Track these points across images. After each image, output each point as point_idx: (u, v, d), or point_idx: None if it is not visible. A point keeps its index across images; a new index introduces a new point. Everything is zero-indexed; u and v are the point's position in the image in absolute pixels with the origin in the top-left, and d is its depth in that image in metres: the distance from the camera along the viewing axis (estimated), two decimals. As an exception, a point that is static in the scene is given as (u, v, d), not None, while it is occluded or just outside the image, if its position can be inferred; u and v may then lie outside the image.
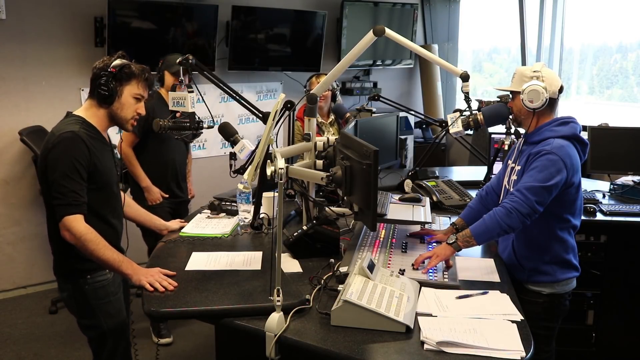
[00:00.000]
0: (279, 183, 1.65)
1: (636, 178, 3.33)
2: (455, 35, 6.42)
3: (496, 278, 2.06)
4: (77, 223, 1.99)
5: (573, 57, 5.79)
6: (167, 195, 3.45)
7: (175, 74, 3.27)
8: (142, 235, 3.25)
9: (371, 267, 1.85)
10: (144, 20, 4.33)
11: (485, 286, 1.97)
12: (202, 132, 2.45)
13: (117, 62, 2.09)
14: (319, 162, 2.42)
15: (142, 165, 3.37)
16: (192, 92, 2.35)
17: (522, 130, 2.36)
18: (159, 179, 3.42)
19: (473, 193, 2.91)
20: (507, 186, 2.29)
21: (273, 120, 1.80)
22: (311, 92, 2.53)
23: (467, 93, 2.88)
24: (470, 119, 2.66)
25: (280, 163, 1.67)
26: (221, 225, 2.61)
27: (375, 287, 1.77)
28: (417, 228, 2.46)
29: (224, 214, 2.76)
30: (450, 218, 2.71)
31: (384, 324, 1.64)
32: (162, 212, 3.19)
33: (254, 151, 2.26)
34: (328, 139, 2.45)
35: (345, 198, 2.13)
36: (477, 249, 2.33)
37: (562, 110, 5.05)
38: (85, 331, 2.22)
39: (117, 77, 2.07)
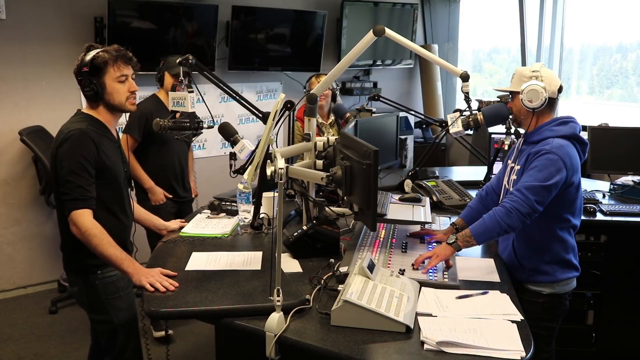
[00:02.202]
0: (279, 183, 1.65)
1: (636, 178, 3.33)
2: (455, 35, 6.42)
3: (496, 278, 2.06)
4: (83, 218, 2.02)
5: (573, 57, 5.79)
6: (170, 196, 3.46)
7: (175, 75, 3.28)
8: (147, 236, 3.25)
9: (371, 267, 1.85)
10: (144, 20, 4.33)
11: (485, 286, 1.97)
12: (202, 132, 2.45)
13: (87, 57, 2.09)
14: (319, 162, 2.42)
15: (145, 167, 3.38)
16: (192, 92, 2.35)
17: (522, 130, 2.36)
18: (162, 180, 3.44)
19: (473, 193, 2.91)
20: (507, 186, 2.29)
21: (273, 120, 1.80)
22: (311, 92, 2.53)
23: (467, 93, 2.88)
24: (470, 119, 2.65)
25: (280, 163, 1.67)
26: (221, 225, 2.61)
27: (375, 287, 1.77)
28: (417, 228, 2.46)
29: (224, 214, 2.76)
30: (450, 218, 2.71)
31: (384, 324, 1.64)
32: (165, 213, 3.20)
33: (254, 151, 2.26)
34: (328, 139, 2.45)
35: (345, 198, 2.13)
36: (477, 249, 2.33)
37: (562, 110, 5.07)
38: (97, 325, 2.26)
39: (91, 73, 2.08)
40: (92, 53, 2.10)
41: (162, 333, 3.47)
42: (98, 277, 2.16)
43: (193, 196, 3.72)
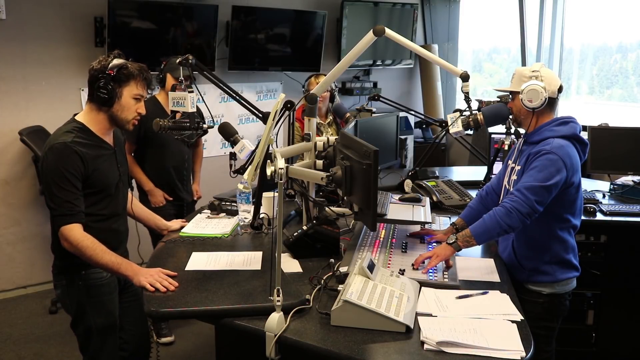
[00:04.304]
0: (279, 183, 1.65)
1: (636, 178, 3.33)
2: (455, 35, 6.42)
3: (496, 278, 2.06)
4: (73, 232, 2.02)
5: (573, 57, 5.79)
6: (170, 198, 3.45)
7: (178, 77, 3.27)
8: (150, 237, 3.24)
9: (371, 267, 1.85)
10: (144, 20, 4.33)
11: (485, 286, 1.97)
12: (207, 132, 2.44)
13: (115, 62, 2.07)
14: (319, 162, 2.42)
15: (144, 170, 3.38)
16: (192, 92, 2.35)
17: (522, 130, 2.36)
18: (161, 182, 3.43)
19: (473, 193, 2.91)
20: (507, 186, 2.29)
21: (273, 120, 1.80)
22: (311, 92, 2.53)
23: (467, 93, 2.88)
24: (470, 119, 2.66)
25: (280, 163, 1.67)
26: (221, 225, 2.61)
27: (375, 287, 1.77)
28: (417, 228, 2.46)
29: (224, 214, 2.76)
30: (450, 218, 2.71)
31: (384, 324, 1.64)
32: (165, 215, 3.19)
33: (254, 151, 2.26)
34: (328, 139, 2.45)
35: (345, 198, 2.13)
36: (477, 249, 2.33)
37: (562, 110, 5.07)
38: (73, 326, 2.23)
39: (115, 78, 2.06)
40: (120, 61, 2.09)
41: (170, 339, 3.45)
42: (82, 277, 2.15)
43: (195, 198, 3.71)
